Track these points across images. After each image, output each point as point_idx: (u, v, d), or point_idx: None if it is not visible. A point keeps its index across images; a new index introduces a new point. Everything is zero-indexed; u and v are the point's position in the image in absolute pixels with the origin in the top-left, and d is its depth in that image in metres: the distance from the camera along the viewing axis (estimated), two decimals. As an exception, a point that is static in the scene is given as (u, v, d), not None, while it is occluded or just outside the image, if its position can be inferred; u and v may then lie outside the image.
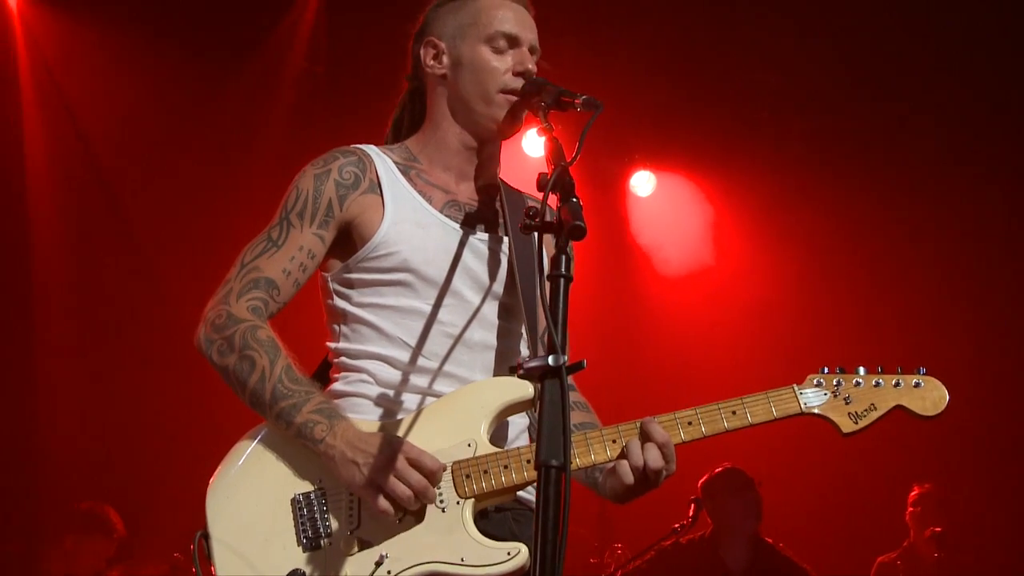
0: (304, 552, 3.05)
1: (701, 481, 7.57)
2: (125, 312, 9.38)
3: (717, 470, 7.59)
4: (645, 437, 3.05)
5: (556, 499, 2.41)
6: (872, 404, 3.10)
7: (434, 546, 2.99)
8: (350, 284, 3.30)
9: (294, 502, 3.09)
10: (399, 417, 3.17)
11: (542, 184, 2.76)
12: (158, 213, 9.35)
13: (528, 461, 3.03)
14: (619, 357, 9.82)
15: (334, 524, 3.06)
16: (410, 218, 3.28)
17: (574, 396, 3.47)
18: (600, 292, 9.80)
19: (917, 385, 3.11)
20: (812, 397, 3.12)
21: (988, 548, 8.66)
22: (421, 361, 3.22)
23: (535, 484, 2.48)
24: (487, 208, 3.41)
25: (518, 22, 3.38)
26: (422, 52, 3.45)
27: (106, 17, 8.98)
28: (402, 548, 3.00)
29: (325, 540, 3.05)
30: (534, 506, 2.46)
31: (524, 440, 3.32)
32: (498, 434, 3.21)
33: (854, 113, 9.63)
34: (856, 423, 3.09)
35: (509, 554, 2.97)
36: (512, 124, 3.37)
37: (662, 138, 10.22)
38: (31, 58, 9.18)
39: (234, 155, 9.33)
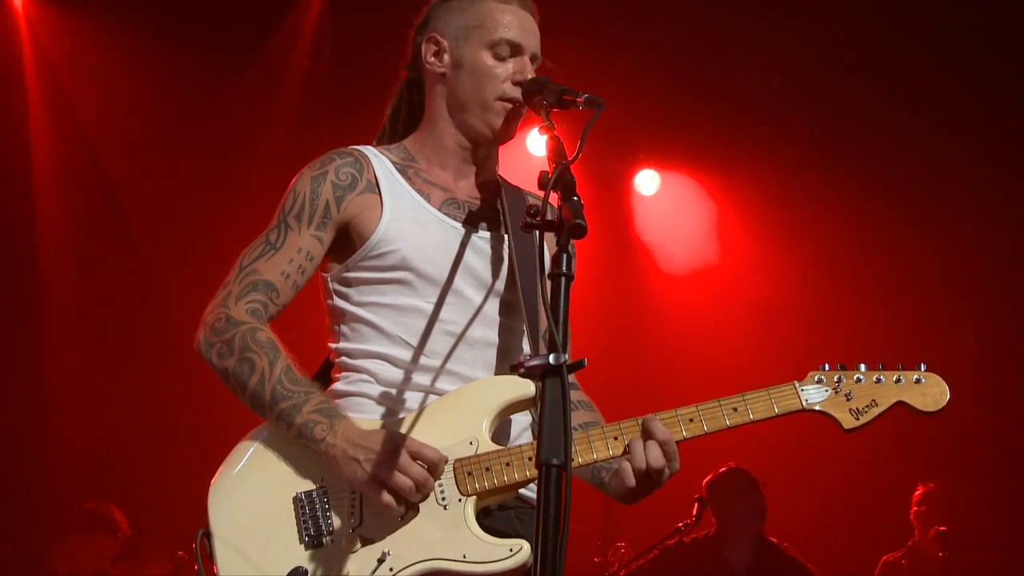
0: (306, 550, 3.05)
1: (705, 480, 7.57)
2: (129, 312, 9.38)
3: (721, 470, 7.58)
4: (647, 435, 3.05)
5: (557, 498, 2.42)
6: (873, 400, 3.10)
7: (436, 543, 3.00)
8: (350, 284, 3.30)
9: (296, 500, 3.10)
10: (401, 416, 3.17)
11: (543, 183, 2.76)
12: (162, 214, 9.36)
13: (530, 458, 3.03)
14: (623, 356, 9.82)
15: (336, 522, 3.06)
16: (409, 216, 3.28)
17: (577, 395, 3.47)
18: (604, 291, 9.81)
19: (918, 381, 3.12)
20: (813, 393, 3.12)
21: (992, 547, 8.65)
22: (422, 359, 3.23)
23: (537, 482, 2.48)
24: (486, 206, 3.42)
25: (522, 29, 3.37)
26: (423, 47, 3.45)
27: (110, 16, 9.00)
28: (404, 545, 3.01)
29: (327, 538, 3.05)
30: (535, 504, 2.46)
31: (526, 438, 3.32)
32: (500, 432, 3.21)
33: (857, 112, 9.62)
34: (857, 419, 3.09)
35: (511, 551, 2.97)
36: (507, 131, 3.38)
37: (666, 137, 10.22)
38: (36, 57, 9.19)
39: (238, 155, 9.34)
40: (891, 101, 9.47)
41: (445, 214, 3.34)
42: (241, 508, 3.13)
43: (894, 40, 9.10)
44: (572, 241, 3.37)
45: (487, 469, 3.05)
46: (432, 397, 3.20)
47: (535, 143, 9.13)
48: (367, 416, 3.19)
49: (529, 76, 3.33)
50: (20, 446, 8.97)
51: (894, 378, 3.12)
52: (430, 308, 3.25)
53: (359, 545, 3.03)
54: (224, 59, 9.28)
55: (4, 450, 8.82)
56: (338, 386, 3.30)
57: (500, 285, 3.33)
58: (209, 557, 3.08)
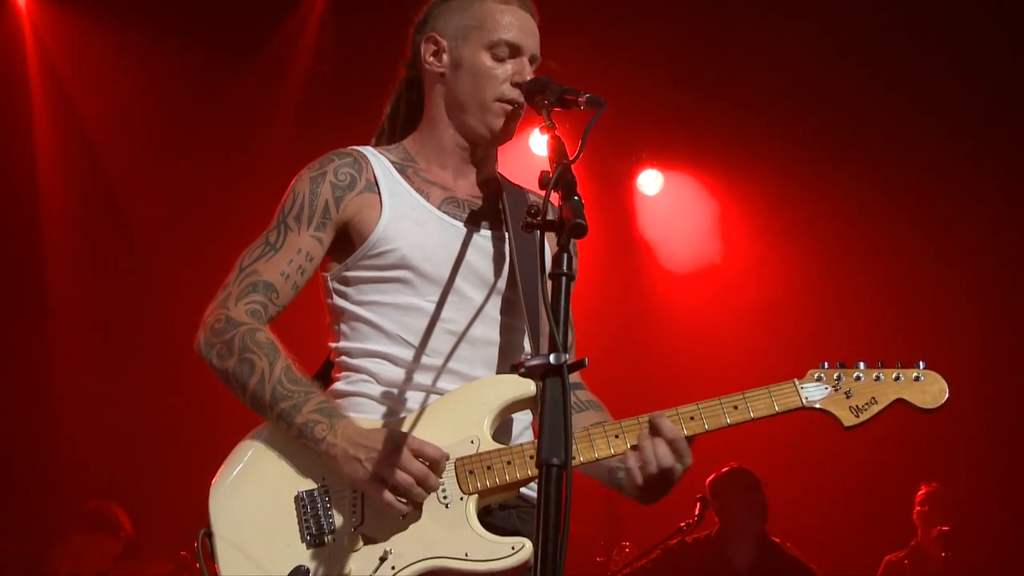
0: (308, 549, 3.06)
1: (708, 480, 7.57)
2: (132, 313, 9.39)
3: (724, 469, 7.59)
4: (654, 432, 3.05)
5: (557, 497, 2.42)
6: (873, 398, 3.11)
7: (438, 541, 3.00)
8: (349, 283, 3.31)
9: (297, 499, 3.11)
10: (402, 416, 3.18)
11: (544, 182, 2.77)
12: (165, 214, 9.36)
13: (531, 457, 3.03)
14: (625, 355, 9.82)
15: (338, 521, 3.07)
16: (408, 215, 3.29)
17: (585, 395, 3.47)
18: (607, 290, 9.81)
19: (917, 379, 3.12)
20: (813, 391, 3.12)
21: (995, 547, 8.65)
22: (423, 358, 3.23)
23: (537, 481, 2.48)
24: (486, 204, 3.42)
25: (522, 30, 3.37)
26: (422, 47, 3.45)
27: (113, 15, 9.00)
28: (406, 544, 3.01)
29: (329, 537, 3.06)
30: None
31: (527, 436, 3.32)
32: (501, 431, 3.21)
33: (860, 111, 9.62)
34: (857, 417, 3.10)
35: (513, 548, 2.98)
36: (506, 132, 3.39)
37: (669, 137, 10.22)
38: (39, 56, 9.20)
39: (241, 154, 9.34)
40: (894, 100, 9.46)
41: (445, 213, 3.34)
42: (242, 507, 3.14)
43: (897, 39, 9.09)
44: (574, 241, 3.39)
45: (488, 468, 3.06)
46: (433, 396, 3.21)
47: (538, 142, 9.13)
48: (368, 416, 3.19)
49: (528, 77, 3.33)
50: (23, 446, 8.98)
51: (893, 376, 3.12)
52: (430, 307, 3.25)
53: (361, 544, 3.03)
54: (227, 59, 9.29)
55: (7, 450, 8.83)
56: (338, 386, 3.30)
57: (501, 283, 3.33)
58: (211, 556, 3.09)
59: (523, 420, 3.32)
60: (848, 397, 3.11)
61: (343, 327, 3.33)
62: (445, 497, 3.04)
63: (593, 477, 3.29)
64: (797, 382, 3.13)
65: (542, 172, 2.79)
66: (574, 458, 3.04)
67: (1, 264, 9.06)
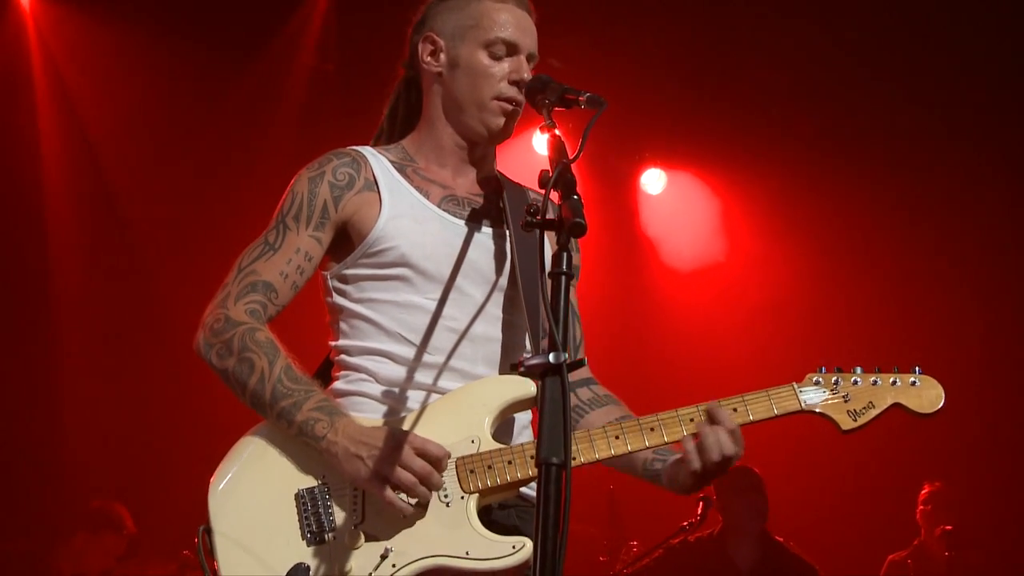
0: (308, 546, 3.06)
1: (710, 479, 7.55)
2: (135, 313, 9.41)
3: (726, 468, 7.57)
4: (712, 421, 3.07)
5: (557, 496, 2.42)
6: (870, 402, 3.14)
7: (439, 540, 3.00)
8: (349, 281, 3.31)
9: (298, 497, 3.10)
10: (402, 415, 3.18)
11: (544, 181, 2.77)
12: (168, 213, 9.38)
13: (532, 457, 3.04)
14: (629, 354, 9.80)
15: (338, 518, 3.07)
16: (407, 213, 3.29)
17: (601, 390, 3.48)
18: (610, 289, 9.80)
19: (914, 384, 3.15)
20: (811, 395, 3.15)
21: (998, 547, 8.64)
22: (423, 356, 3.23)
23: (537, 480, 2.47)
24: (486, 202, 3.42)
25: (519, 28, 3.37)
26: (420, 47, 3.46)
27: (117, 15, 9.01)
28: (407, 542, 3.01)
29: (329, 534, 3.06)
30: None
31: (527, 436, 3.32)
32: (502, 430, 3.21)
33: (863, 110, 9.62)
34: (855, 420, 3.13)
35: (514, 547, 2.98)
36: (505, 130, 3.39)
37: (672, 136, 10.23)
38: (43, 57, 9.22)
39: (244, 155, 9.35)
40: (896, 99, 9.46)
41: (445, 210, 3.34)
42: (242, 504, 3.13)
43: (900, 38, 9.09)
44: (575, 240, 3.40)
45: (489, 467, 3.06)
46: (434, 396, 3.20)
47: (540, 141, 9.14)
48: (368, 415, 3.19)
49: (525, 75, 3.33)
50: (26, 446, 9.00)
51: (890, 380, 3.16)
52: (431, 304, 3.25)
53: (361, 541, 3.03)
54: (229, 58, 9.30)
55: (10, 450, 8.85)
56: (338, 385, 3.30)
57: (502, 281, 3.33)
58: (210, 553, 3.09)
59: (522, 419, 3.33)
60: (846, 401, 3.15)
61: (343, 325, 3.33)
62: (446, 496, 3.04)
63: (619, 470, 3.30)
64: (796, 385, 3.16)
65: (542, 171, 2.80)
66: (575, 458, 3.06)
67: (5, 263, 9.08)
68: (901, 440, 8.03)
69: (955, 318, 9.52)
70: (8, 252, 9.10)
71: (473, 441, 3.09)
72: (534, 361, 2.53)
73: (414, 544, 3.01)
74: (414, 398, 3.22)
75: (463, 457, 3.07)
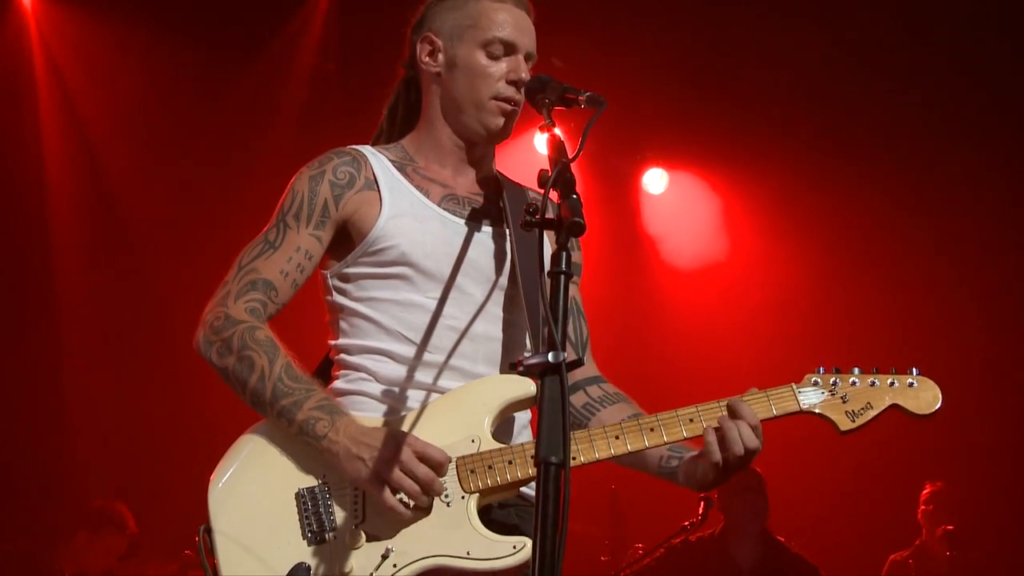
0: (309, 546, 3.06)
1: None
2: (137, 313, 9.41)
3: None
4: (734, 415, 3.07)
5: (555, 496, 2.41)
6: (868, 403, 3.15)
7: (440, 540, 3.00)
8: (349, 279, 3.31)
9: (298, 496, 3.10)
10: (402, 414, 3.18)
11: (543, 181, 2.77)
12: (171, 213, 9.38)
13: (532, 456, 3.03)
14: (631, 353, 9.79)
15: (339, 518, 3.07)
16: (408, 212, 3.29)
17: (611, 388, 3.49)
18: (613, 289, 9.80)
19: (911, 385, 3.17)
20: (810, 396, 3.16)
21: (1000, 547, 8.64)
22: (423, 354, 3.23)
23: (536, 479, 2.47)
24: (486, 201, 3.42)
25: (516, 28, 3.37)
26: (418, 47, 3.46)
27: (118, 14, 9.02)
28: (408, 542, 3.01)
29: (330, 534, 3.06)
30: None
31: (527, 435, 3.33)
32: (501, 430, 3.21)
33: (865, 110, 9.61)
34: (853, 421, 3.15)
35: (515, 547, 2.98)
36: (503, 130, 3.39)
37: (674, 136, 10.22)
38: (45, 57, 9.22)
39: (246, 154, 9.35)
40: (898, 99, 9.46)
41: (445, 209, 3.34)
42: (242, 503, 3.13)
43: (902, 37, 9.08)
44: (576, 239, 3.40)
45: (490, 467, 3.06)
46: (434, 395, 3.20)
47: (542, 141, 9.13)
48: (368, 414, 3.19)
49: (524, 75, 3.33)
50: (29, 445, 9.00)
51: (888, 381, 3.17)
52: (430, 303, 3.25)
53: (362, 541, 3.03)
54: (231, 58, 9.30)
55: (13, 450, 8.85)
56: (338, 384, 3.30)
57: (503, 280, 3.34)
58: (211, 553, 3.09)
59: (522, 419, 3.33)
60: (844, 402, 3.16)
61: (343, 324, 3.33)
62: (446, 496, 3.04)
63: (631, 468, 3.30)
64: (795, 386, 3.17)
65: (541, 170, 2.80)
66: (575, 458, 3.06)
67: (7, 260, 9.09)
68: (902, 440, 8.04)
69: (956, 317, 9.52)
70: (9, 250, 9.11)
71: (473, 440, 3.08)
72: (533, 360, 2.52)
73: (415, 544, 3.01)
74: (414, 397, 3.22)
75: (463, 457, 3.06)
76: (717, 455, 3.06)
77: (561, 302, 2.57)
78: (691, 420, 3.11)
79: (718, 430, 3.07)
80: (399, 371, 3.23)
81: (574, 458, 3.06)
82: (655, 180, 10.59)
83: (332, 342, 3.37)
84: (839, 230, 9.96)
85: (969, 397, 8.17)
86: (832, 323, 9.72)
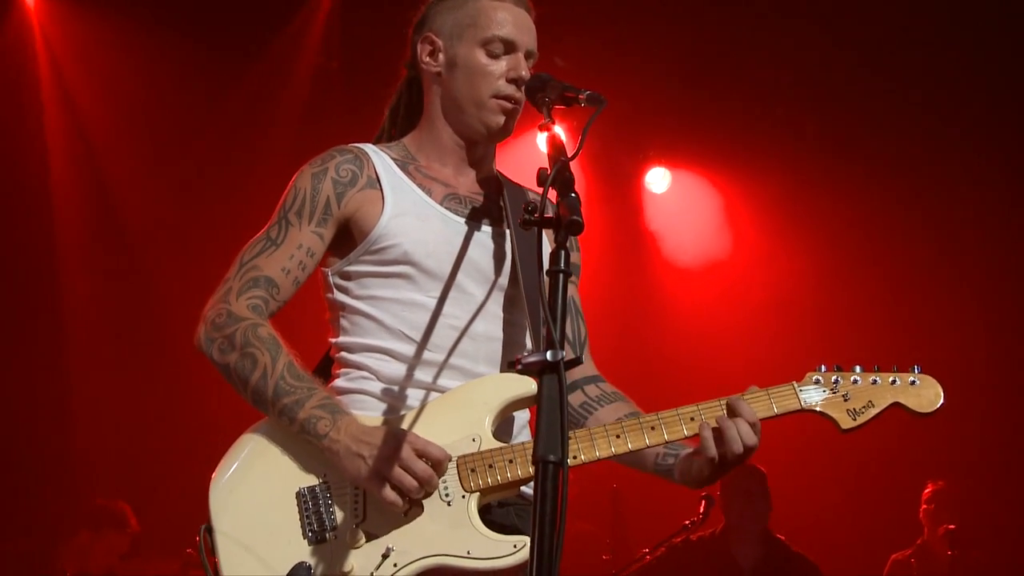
0: (309, 545, 3.06)
1: (713, 478, 7.54)
2: (140, 312, 9.41)
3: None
4: (733, 413, 3.07)
5: (554, 494, 2.41)
6: (870, 401, 3.15)
7: (440, 539, 3.00)
8: (350, 278, 3.31)
9: (299, 495, 3.10)
10: (403, 413, 3.18)
11: (542, 179, 2.77)
12: (173, 213, 9.38)
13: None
14: (632, 353, 9.79)
15: (339, 517, 3.07)
16: (410, 211, 3.29)
17: (609, 387, 3.49)
18: (615, 289, 9.80)
19: (913, 383, 3.16)
20: (811, 394, 3.16)
21: (1001, 546, 8.64)
22: (424, 353, 3.23)
23: (534, 478, 2.47)
24: (487, 201, 3.42)
25: (517, 26, 3.37)
26: (419, 47, 3.46)
27: (120, 14, 9.03)
28: (408, 541, 3.01)
29: (330, 533, 3.06)
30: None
31: (527, 434, 3.33)
32: (502, 429, 3.22)
33: (868, 109, 9.61)
34: (855, 420, 3.14)
35: (515, 547, 2.98)
36: (504, 129, 3.39)
37: (676, 135, 10.22)
38: (48, 56, 9.23)
39: (248, 151, 9.36)
40: (900, 98, 9.45)
41: (447, 209, 3.34)
42: (243, 503, 3.13)
43: (905, 37, 9.08)
44: (575, 238, 3.40)
45: (490, 466, 3.06)
46: (434, 394, 3.20)
47: (543, 140, 9.12)
48: (369, 413, 3.18)
49: (524, 73, 3.33)
50: (30, 444, 9.01)
51: (889, 379, 3.17)
52: (431, 302, 3.25)
53: (363, 541, 3.03)
54: (233, 57, 9.31)
55: (14, 449, 8.86)
56: (338, 383, 3.30)
57: (503, 280, 3.34)
58: (211, 552, 3.09)
59: (522, 418, 3.33)
60: (845, 400, 3.15)
61: (343, 322, 3.33)
62: (447, 495, 3.04)
63: (629, 466, 3.30)
64: (796, 384, 3.17)
65: (540, 169, 2.81)
66: (576, 457, 3.06)
67: (11, 261, 9.10)
68: (904, 439, 8.04)
69: (959, 316, 9.51)
70: (13, 249, 9.11)
71: (474, 439, 3.09)
72: (531, 359, 2.53)
73: (415, 543, 3.01)
74: (415, 396, 3.22)
75: (464, 456, 3.06)
76: (712, 451, 3.06)
77: (560, 300, 2.58)
78: (692, 419, 3.11)
79: (716, 429, 3.07)
80: (400, 370, 3.23)
81: (575, 457, 3.06)
82: (657, 179, 10.58)
83: (332, 340, 3.37)
84: (841, 229, 9.96)
85: (971, 395, 8.15)
86: (834, 321, 9.71)
